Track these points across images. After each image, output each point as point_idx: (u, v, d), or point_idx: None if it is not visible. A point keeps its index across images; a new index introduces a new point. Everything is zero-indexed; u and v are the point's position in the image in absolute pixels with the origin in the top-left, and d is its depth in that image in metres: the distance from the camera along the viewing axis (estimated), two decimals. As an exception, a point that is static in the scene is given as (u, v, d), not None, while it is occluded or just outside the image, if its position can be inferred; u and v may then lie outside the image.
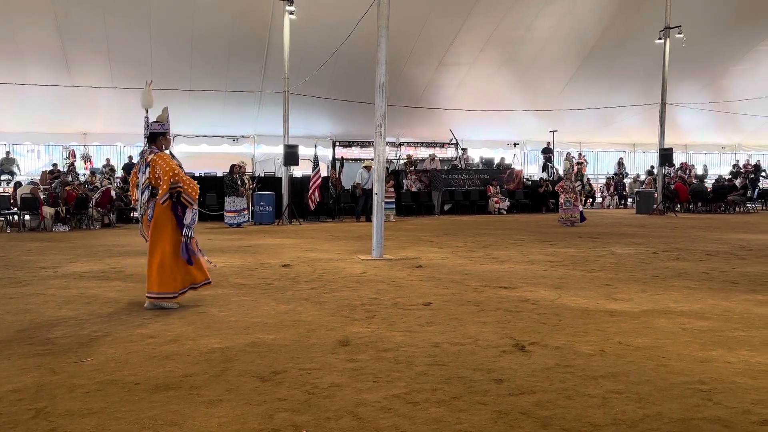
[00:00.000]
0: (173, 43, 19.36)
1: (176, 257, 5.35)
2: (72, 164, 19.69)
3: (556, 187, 17.09)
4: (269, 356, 3.93)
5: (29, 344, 4.25)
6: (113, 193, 15.58)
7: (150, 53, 19.36)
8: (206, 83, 19.83)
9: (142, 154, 5.56)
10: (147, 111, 5.64)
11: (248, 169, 19.62)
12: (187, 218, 5.35)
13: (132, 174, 5.79)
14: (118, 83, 19.69)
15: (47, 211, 13.97)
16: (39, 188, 15.11)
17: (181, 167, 5.48)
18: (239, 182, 15.27)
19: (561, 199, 15.32)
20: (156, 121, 5.56)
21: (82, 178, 17.52)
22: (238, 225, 14.92)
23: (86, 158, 21.75)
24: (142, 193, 5.43)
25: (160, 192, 5.28)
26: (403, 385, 3.38)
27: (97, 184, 15.92)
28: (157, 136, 5.51)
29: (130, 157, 21.70)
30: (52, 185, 15.51)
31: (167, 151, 5.57)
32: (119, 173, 20.67)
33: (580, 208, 15.83)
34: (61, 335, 4.48)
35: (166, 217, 5.37)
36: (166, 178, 5.24)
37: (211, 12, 18.59)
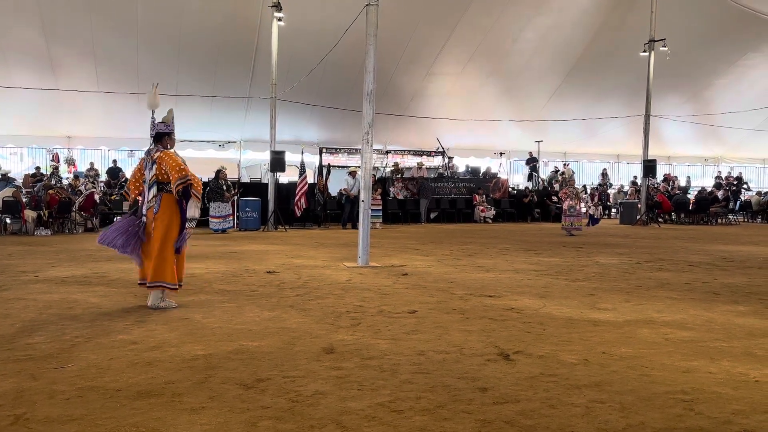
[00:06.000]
0: (160, 47, 19.29)
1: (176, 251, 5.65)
2: (55, 167, 19.49)
3: (560, 194, 17.10)
4: (253, 363, 3.90)
5: (9, 350, 4.18)
6: (97, 197, 15.43)
7: (137, 57, 19.28)
8: (193, 88, 19.76)
9: (148, 152, 5.83)
10: (153, 112, 5.90)
11: (233, 175, 19.55)
12: (190, 212, 5.64)
13: (135, 170, 6.08)
14: (103, 87, 19.59)
15: (29, 214, 13.81)
16: (21, 191, 14.94)
17: (185, 164, 5.71)
18: (224, 187, 15.20)
19: (565, 206, 15.16)
20: (161, 122, 5.83)
21: (65, 182, 17.35)
22: (223, 231, 14.84)
23: (70, 162, 21.56)
24: (150, 188, 5.69)
25: (172, 182, 5.53)
26: (387, 393, 3.37)
27: (81, 188, 15.77)
28: (163, 136, 5.80)
29: (115, 161, 21.57)
30: (35, 188, 15.34)
31: (172, 150, 5.84)
32: (103, 177, 20.52)
33: (591, 212, 15.93)
34: (41, 341, 4.42)
35: (172, 211, 5.63)
36: (174, 173, 5.53)
37: (198, 17, 18.56)
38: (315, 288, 6.79)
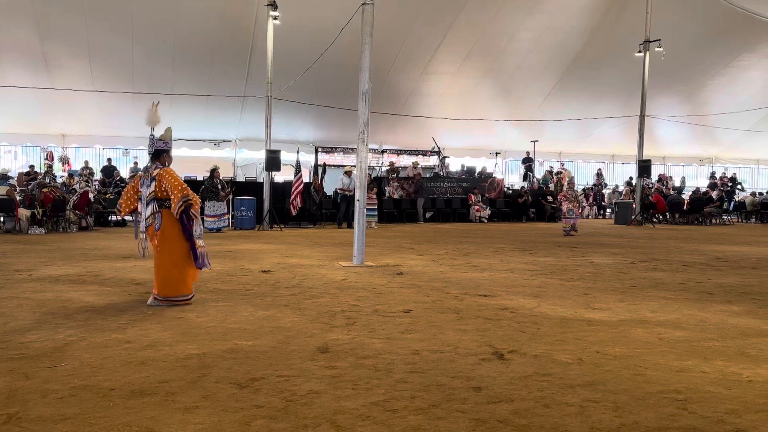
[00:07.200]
0: (155, 46, 19.23)
1: (184, 263, 5.72)
2: (50, 166, 19.44)
3: (559, 196, 17.12)
4: (247, 363, 3.89)
5: (2, 348, 4.16)
6: (91, 195, 15.38)
7: (132, 56, 19.23)
8: (188, 87, 19.72)
9: (146, 169, 5.92)
10: (152, 129, 5.97)
11: (230, 174, 19.51)
12: (196, 230, 5.75)
13: (128, 188, 6.12)
14: (98, 86, 19.53)
15: (23, 213, 13.75)
16: (15, 190, 14.88)
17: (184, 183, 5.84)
18: (219, 186, 15.17)
19: (564, 208, 15.39)
20: (160, 139, 5.91)
21: (59, 180, 17.30)
22: (218, 230, 14.81)
23: (64, 160, 21.50)
24: (148, 205, 5.75)
25: (173, 204, 5.61)
26: (382, 392, 3.37)
27: (75, 187, 15.72)
28: (162, 153, 5.89)
29: (109, 160, 21.50)
30: (29, 187, 15.28)
31: (170, 167, 5.92)
32: (97, 176, 20.46)
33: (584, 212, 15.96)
34: (35, 339, 4.41)
35: (174, 226, 5.70)
36: (176, 191, 5.60)
37: (194, 16, 18.51)
38: (310, 287, 6.78)
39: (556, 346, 4.40)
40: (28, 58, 18.74)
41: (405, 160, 22.32)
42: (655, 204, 21.27)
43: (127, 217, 14.57)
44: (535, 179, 24.29)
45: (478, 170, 23.71)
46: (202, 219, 14.54)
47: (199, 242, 5.76)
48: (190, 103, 20.24)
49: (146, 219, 5.74)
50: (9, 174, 18.43)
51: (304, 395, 3.31)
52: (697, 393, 3.42)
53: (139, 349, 4.17)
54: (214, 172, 15.33)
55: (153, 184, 5.72)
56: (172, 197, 5.62)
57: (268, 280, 7.23)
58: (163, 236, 5.68)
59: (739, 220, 23.85)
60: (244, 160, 23.60)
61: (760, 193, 24.42)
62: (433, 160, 22.99)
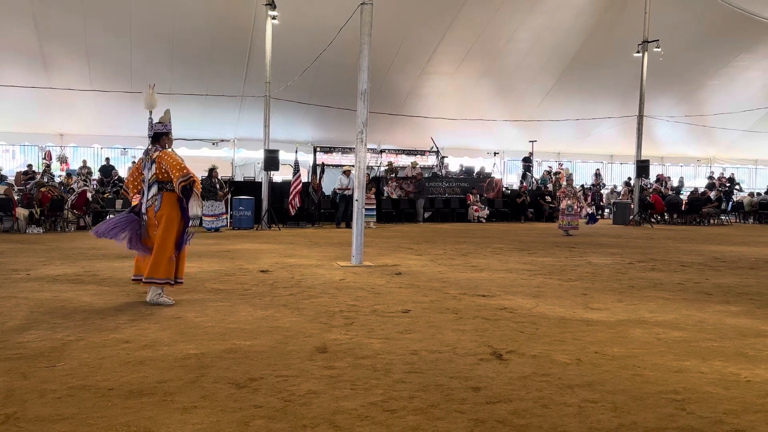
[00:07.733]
0: (153, 46, 19.23)
1: (173, 249, 5.72)
2: (48, 165, 19.42)
3: (558, 193, 17.06)
4: (246, 363, 3.89)
5: (0, 348, 4.16)
6: (89, 195, 15.36)
7: (130, 56, 19.22)
8: (186, 86, 19.70)
9: (146, 152, 5.90)
10: (151, 112, 5.95)
11: (228, 174, 19.49)
12: (192, 210, 5.75)
13: (132, 170, 6.17)
14: (96, 86, 19.52)
15: (21, 212, 13.73)
16: (13, 189, 14.86)
17: (184, 163, 5.80)
18: (218, 186, 15.16)
19: (563, 205, 14.98)
20: (159, 122, 5.90)
21: (57, 180, 17.28)
22: (216, 229, 14.80)
23: (62, 159, 21.48)
24: (149, 188, 5.76)
25: (174, 181, 5.60)
26: (380, 392, 3.37)
27: (73, 186, 15.70)
28: (161, 136, 5.89)
29: (107, 159, 21.49)
30: (27, 186, 15.27)
31: (170, 149, 5.93)
32: (96, 175, 20.45)
33: (587, 210, 15.90)
34: (32, 339, 4.40)
35: (174, 210, 5.71)
36: (175, 171, 5.60)
37: (192, 15, 18.50)
38: (308, 287, 6.78)
39: (554, 346, 4.40)
40: (26, 57, 18.72)
41: (403, 160, 22.32)
42: (653, 204, 21.28)
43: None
44: (533, 180, 24.30)
45: (476, 170, 23.71)
46: (201, 218, 14.67)
47: (191, 222, 5.79)
48: (189, 103, 20.22)
49: (147, 201, 5.75)
50: (2, 173, 18.39)
51: (302, 395, 3.30)
52: (695, 393, 3.42)
53: (137, 349, 4.17)
54: (212, 171, 15.31)
55: (153, 166, 5.72)
56: (172, 177, 5.62)
57: (266, 280, 7.22)
58: (162, 218, 5.67)
59: (737, 220, 23.88)
60: (242, 160, 23.61)
61: (758, 194, 24.47)
62: (431, 160, 23.00)
